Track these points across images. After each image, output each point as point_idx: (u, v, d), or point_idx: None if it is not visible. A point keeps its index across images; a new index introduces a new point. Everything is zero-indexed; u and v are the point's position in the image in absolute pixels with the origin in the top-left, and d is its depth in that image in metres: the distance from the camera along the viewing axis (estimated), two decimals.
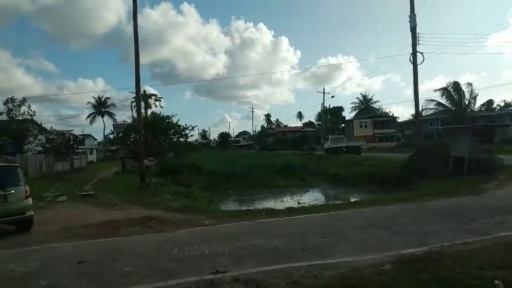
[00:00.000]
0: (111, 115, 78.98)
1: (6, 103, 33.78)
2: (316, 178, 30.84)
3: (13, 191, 9.92)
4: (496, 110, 70.10)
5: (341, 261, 5.87)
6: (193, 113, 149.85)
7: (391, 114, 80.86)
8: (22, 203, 10.15)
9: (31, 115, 34.90)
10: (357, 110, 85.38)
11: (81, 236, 9.37)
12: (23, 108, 34.10)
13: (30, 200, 10.52)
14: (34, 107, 34.71)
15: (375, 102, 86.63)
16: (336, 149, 44.39)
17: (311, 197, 22.41)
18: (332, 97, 71.26)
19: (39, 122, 39.05)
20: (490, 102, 69.73)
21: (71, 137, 44.20)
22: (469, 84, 43.93)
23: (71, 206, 15.21)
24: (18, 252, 8.00)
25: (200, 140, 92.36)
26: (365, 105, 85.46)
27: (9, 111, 33.82)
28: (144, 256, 6.97)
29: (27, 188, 10.49)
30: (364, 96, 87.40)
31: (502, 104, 76.45)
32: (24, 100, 34.36)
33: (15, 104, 33.89)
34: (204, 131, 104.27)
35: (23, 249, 8.27)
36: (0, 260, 7.33)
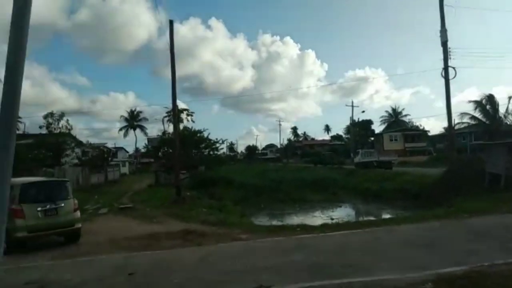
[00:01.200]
0: (142, 128, 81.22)
1: (45, 117, 35.56)
2: (347, 193, 30.68)
3: (63, 204, 10.61)
4: None
5: (381, 279, 6.04)
6: (221, 126, 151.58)
7: (421, 127, 79.31)
8: (71, 215, 10.82)
9: (68, 129, 36.52)
10: (386, 124, 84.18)
11: (126, 248, 9.89)
12: (62, 122, 35.78)
13: (78, 213, 11.20)
14: (69, 120, 36.20)
15: (405, 115, 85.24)
16: (366, 163, 43.92)
17: (343, 213, 22.38)
18: (363, 112, 69.87)
19: (74, 135, 40.72)
20: None
21: (106, 150, 45.78)
22: (509, 98, 42.57)
23: (112, 218, 15.93)
24: (72, 263, 8.58)
25: (227, 153, 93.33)
26: (394, 118, 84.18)
27: (49, 125, 35.53)
28: (190, 268, 7.36)
29: (75, 201, 11.18)
30: (394, 109, 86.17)
31: None
32: (62, 115, 36.07)
33: (54, 118, 35.60)
34: (231, 144, 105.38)
35: (75, 259, 8.85)
36: (57, 270, 7.91)
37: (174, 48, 21.03)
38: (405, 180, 28.12)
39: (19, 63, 2.16)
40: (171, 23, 21.40)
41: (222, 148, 48.74)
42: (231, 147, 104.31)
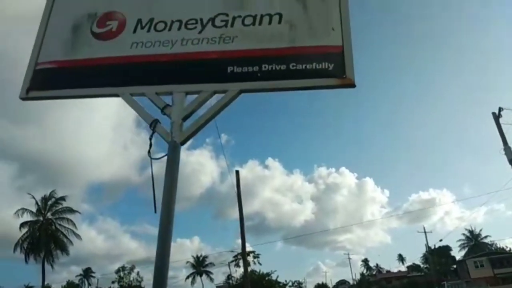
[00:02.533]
0: (208, 274, 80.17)
1: (117, 271, 36.87)
2: None
3: None
4: None
5: None
6: (286, 264, 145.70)
7: (507, 249, 71.22)
8: None
9: (139, 281, 37.16)
10: (467, 248, 76.78)
11: None
12: (132, 275, 36.72)
13: None
14: (139, 272, 37.25)
15: (485, 237, 77.90)
16: None
17: None
18: (440, 240, 64.97)
19: (143, 286, 41.04)
20: None
21: None
22: None
23: None
24: None
25: None
26: (474, 242, 76.88)
27: (120, 279, 36.54)
28: None
29: None
30: (471, 232, 79.34)
31: None
32: (133, 267, 37.28)
33: (126, 272, 36.75)
34: (299, 283, 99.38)
35: None
36: None
37: (241, 196, 22.31)
38: None
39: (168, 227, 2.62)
40: (237, 173, 23.18)
41: None
42: (299, 287, 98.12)
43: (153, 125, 2.90)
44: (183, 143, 2.88)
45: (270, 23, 3.01)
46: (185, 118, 2.93)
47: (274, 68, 2.87)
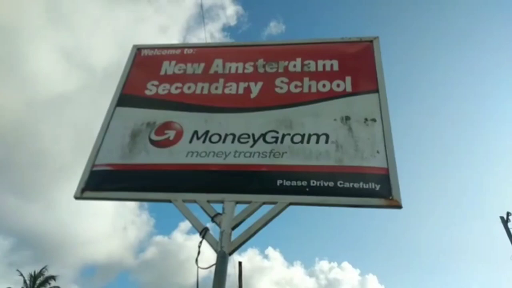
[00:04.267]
0: None
1: None
2: None
3: None
4: None
5: None
6: None
7: None
8: None
9: None
10: None
11: None
12: None
13: None
14: None
15: None
16: None
17: None
18: None
19: None
20: None
21: None
22: None
23: None
24: None
25: None
26: None
27: None
28: None
29: None
30: None
31: None
32: None
33: None
34: None
35: None
36: None
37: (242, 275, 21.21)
38: None
39: None
40: (240, 264, 22.25)
41: None
42: None
43: (203, 233, 2.98)
44: (231, 253, 2.93)
45: (317, 142, 3.25)
46: (234, 228, 3.01)
47: (322, 184, 3.03)
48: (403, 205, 2.91)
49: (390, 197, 2.93)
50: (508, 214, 21.07)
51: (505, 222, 21.57)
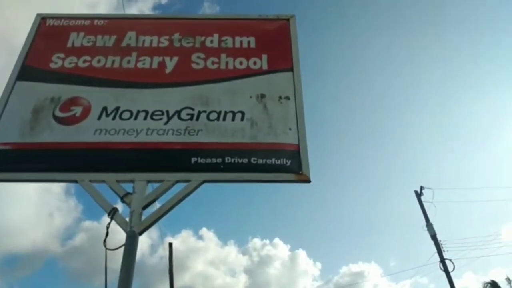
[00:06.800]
0: None
1: None
2: None
3: None
4: None
5: None
6: None
7: None
8: None
9: None
10: None
11: None
12: None
13: None
14: None
15: None
16: None
17: None
18: None
19: None
20: None
21: None
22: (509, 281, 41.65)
23: None
24: None
25: None
26: None
27: None
28: None
29: None
30: None
31: None
32: None
33: None
34: None
35: None
36: None
37: (173, 270, 21.13)
38: None
39: None
40: (170, 245, 22.05)
41: None
42: None
43: (112, 213, 2.86)
44: (141, 233, 2.85)
45: (233, 119, 3.24)
46: (145, 207, 2.92)
47: (236, 161, 3.05)
48: (311, 180, 3.03)
49: (300, 172, 3.03)
50: (421, 188, 23.06)
51: (419, 195, 23.62)
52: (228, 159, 3.05)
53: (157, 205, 3.01)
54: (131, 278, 2.66)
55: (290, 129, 3.22)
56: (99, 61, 3.54)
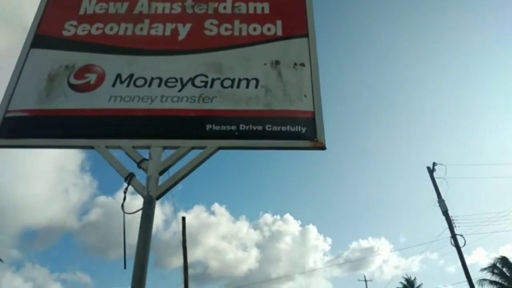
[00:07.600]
0: None
1: None
2: None
3: None
4: None
5: None
6: None
7: None
8: None
9: None
10: None
11: None
12: None
13: None
14: None
15: (419, 286, 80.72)
16: None
17: None
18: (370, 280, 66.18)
19: None
20: None
21: None
22: None
23: None
24: None
25: None
26: None
27: None
28: None
29: None
30: (407, 280, 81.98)
31: None
32: None
33: None
34: None
35: None
36: None
37: (186, 243, 21.57)
38: None
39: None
40: (183, 219, 22.46)
41: None
42: None
43: (129, 178, 2.90)
44: (158, 198, 2.89)
45: (247, 87, 3.22)
46: (161, 173, 2.96)
47: (251, 128, 3.04)
48: (327, 147, 3.01)
49: (315, 139, 3.01)
50: (434, 164, 22.89)
51: (431, 172, 23.47)
52: (242, 126, 3.04)
53: (172, 171, 3.04)
54: (149, 241, 2.73)
55: (305, 96, 3.18)
56: (111, 28, 3.51)
